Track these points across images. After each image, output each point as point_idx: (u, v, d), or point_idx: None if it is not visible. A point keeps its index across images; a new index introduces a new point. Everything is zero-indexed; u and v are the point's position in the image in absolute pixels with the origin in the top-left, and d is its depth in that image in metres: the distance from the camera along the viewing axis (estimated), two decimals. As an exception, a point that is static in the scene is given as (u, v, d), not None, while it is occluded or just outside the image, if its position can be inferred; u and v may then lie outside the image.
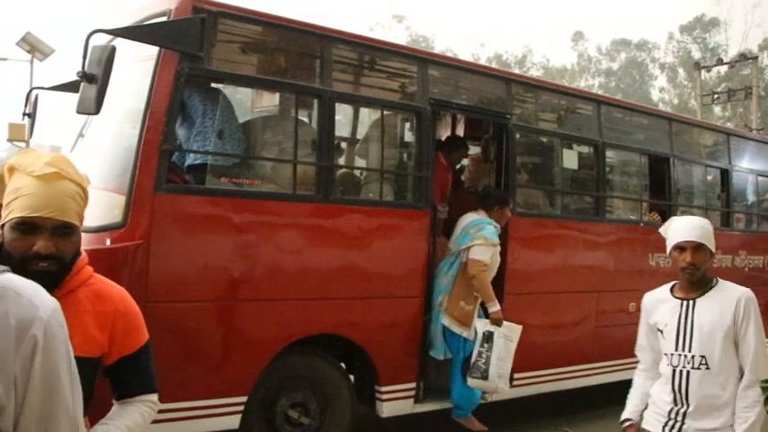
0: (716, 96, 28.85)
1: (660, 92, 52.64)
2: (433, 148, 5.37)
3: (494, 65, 44.42)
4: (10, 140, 14.32)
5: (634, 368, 6.98)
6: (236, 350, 4.38)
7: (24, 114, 5.74)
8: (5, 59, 18.38)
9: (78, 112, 3.90)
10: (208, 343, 4.26)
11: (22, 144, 13.70)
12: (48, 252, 1.84)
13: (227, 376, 4.34)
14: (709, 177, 7.99)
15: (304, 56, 5.00)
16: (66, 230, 1.88)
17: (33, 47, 15.60)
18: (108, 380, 2.07)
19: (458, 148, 6.31)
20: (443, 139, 6.63)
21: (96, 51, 3.79)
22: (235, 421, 4.37)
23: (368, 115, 6.33)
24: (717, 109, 35.96)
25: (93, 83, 3.77)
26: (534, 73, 48.26)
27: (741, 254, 7.99)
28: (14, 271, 1.45)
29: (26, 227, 1.82)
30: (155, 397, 2.14)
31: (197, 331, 4.22)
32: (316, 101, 4.77)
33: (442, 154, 6.04)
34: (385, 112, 5.42)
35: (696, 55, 46.52)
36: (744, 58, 28.15)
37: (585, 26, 71.52)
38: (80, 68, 3.79)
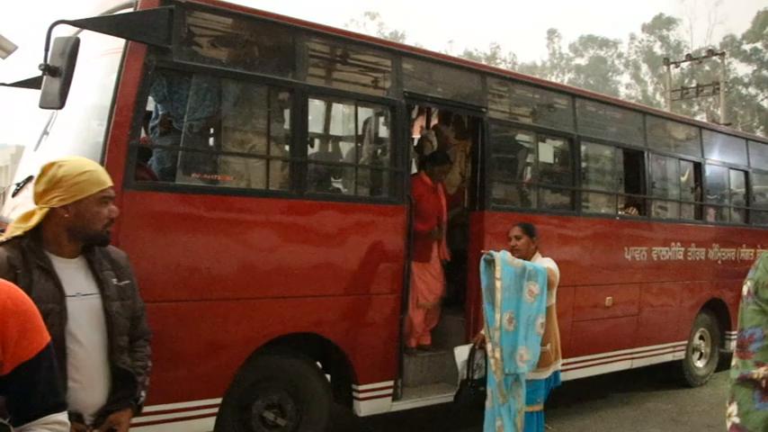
0: (685, 92, 29.21)
1: (626, 88, 53.31)
2: (408, 142, 5.30)
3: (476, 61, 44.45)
4: (-27, 139, 13.97)
5: (610, 363, 7.08)
6: (208, 351, 4.26)
7: (-17, 111, 5.55)
8: (-33, 57, 17.86)
9: (41, 106, 3.74)
10: (180, 344, 4.13)
11: (-14, 143, 13.34)
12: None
13: (201, 378, 4.23)
14: (683, 171, 8.04)
15: (276, 49, 4.89)
16: None
17: (-4, 43, 15.17)
18: (3, 399, 1.72)
19: (441, 163, 6.03)
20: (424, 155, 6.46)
21: (59, 43, 3.65)
22: (209, 424, 4.27)
23: (342, 109, 6.24)
24: (683, 105, 36.39)
25: (56, 76, 3.62)
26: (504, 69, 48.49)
27: (714, 246, 8.05)
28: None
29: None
30: (63, 416, 1.82)
31: (168, 332, 4.08)
32: (288, 94, 4.66)
33: (423, 173, 5.96)
34: (359, 106, 5.33)
35: (658, 52, 47.20)
36: (711, 54, 28.58)
37: (555, 23, 72.05)
38: (43, 61, 3.65)
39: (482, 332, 4.85)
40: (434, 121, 7.25)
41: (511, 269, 4.54)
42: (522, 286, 4.54)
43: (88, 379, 2.47)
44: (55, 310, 2.36)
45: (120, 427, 2.55)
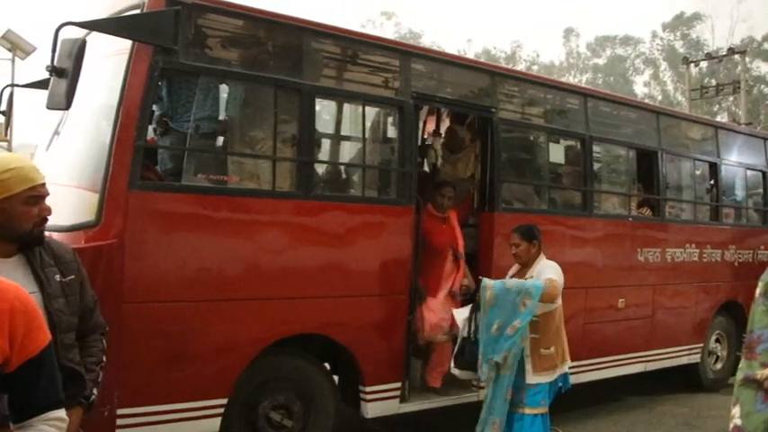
0: (705, 91, 28.85)
1: (644, 86, 52.63)
2: (416, 142, 5.27)
3: (482, 60, 44.21)
4: (-9, 139, 14.11)
5: (623, 366, 7.00)
6: (214, 351, 4.26)
7: (-1, 112, 5.61)
8: (-15, 58, 18.06)
9: (48, 107, 3.79)
10: (185, 344, 4.14)
11: (4, 144, 13.50)
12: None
13: (206, 378, 4.23)
14: (698, 171, 7.94)
15: (283, 49, 4.89)
16: None
17: (14, 45, 15.34)
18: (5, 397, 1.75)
19: (439, 187, 5.61)
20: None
21: (66, 45, 3.68)
22: (215, 424, 4.26)
23: (349, 110, 6.22)
24: (704, 105, 35.81)
25: (63, 77, 3.65)
26: (523, 68, 48.14)
27: (731, 248, 7.94)
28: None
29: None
30: (63, 413, 1.88)
31: (174, 332, 4.10)
32: (295, 95, 4.65)
33: (430, 205, 5.50)
34: (367, 107, 5.32)
35: (681, 51, 46.53)
36: (732, 52, 28.21)
37: (574, 22, 71.58)
38: (50, 63, 3.68)
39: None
40: (445, 123, 7.20)
41: (501, 286, 4.69)
42: (515, 301, 4.60)
43: None
44: None
45: (68, 426, 2.48)
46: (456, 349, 5.00)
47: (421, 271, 5.34)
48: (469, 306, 4.98)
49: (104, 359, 2.73)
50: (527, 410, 4.73)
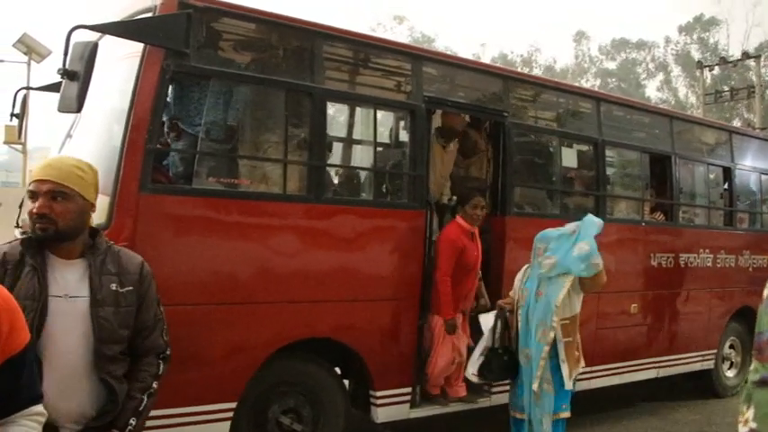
0: (719, 95, 28.64)
1: (657, 90, 52.26)
2: (427, 146, 5.24)
3: (499, 65, 44.12)
4: (6, 143, 14.23)
5: (635, 371, 6.94)
6: (224, 355, 4.25)
7: (12, 115, 5.64)
8: (2, 61, 18.27)
9: (60, 110, 3.79)
10: (195, 347, 4.13)
11: (19, 146, 13.61)
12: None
13: (216, 382, 4.21)
14: (712, 176, 7.88)
15: (294, 52, 4.88)
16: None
17: (30, 48, 15.51)
18: None
19: (469, 198, 5.34)
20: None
21: (78, 48, 3.68)
22: (224, 428, 4.25)
23: (361, 113, 6.21)
24: (714, 109, 35.44)
25: (74, 80, 3.66)
26: (538, 73, 47.92)
27: (745, 253, 7.86)
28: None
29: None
30: (41, 407, 1.89)
31: (184, 335, 4.06)
32: (307, 98, 4.65)
33: (460, 218, 5.34)
34: (378, 110, 5.30)
35: (696, 55, 46.22)
36: (746, 56, 28.02)
37: (585, 26, 71.38)
38: (61, 66, 3.69)
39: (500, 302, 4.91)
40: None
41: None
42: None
43: (60, 383, 2.34)
44: (31, 306, 2.27)
45: None
46: (480, 358, 4.84)
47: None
48: (493, 313, 4.91)
49: (154, 386, 2.60)
50: (553, 416, 4.63)
